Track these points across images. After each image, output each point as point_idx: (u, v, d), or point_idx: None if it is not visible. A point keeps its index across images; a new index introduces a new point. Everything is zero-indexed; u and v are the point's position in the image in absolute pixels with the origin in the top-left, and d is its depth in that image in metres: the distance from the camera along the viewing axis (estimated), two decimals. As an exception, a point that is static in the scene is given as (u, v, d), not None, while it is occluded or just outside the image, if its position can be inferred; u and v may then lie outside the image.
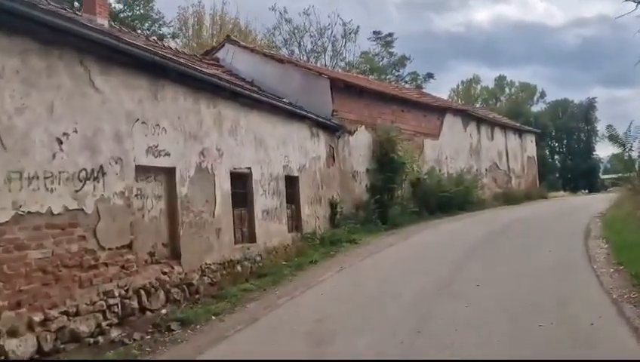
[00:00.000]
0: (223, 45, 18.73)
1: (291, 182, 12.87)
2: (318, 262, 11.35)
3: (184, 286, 8.30)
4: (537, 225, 15.31)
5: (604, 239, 11.24)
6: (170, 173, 8.29)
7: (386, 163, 17.73)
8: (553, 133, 63.72)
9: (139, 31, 25.34)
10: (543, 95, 72.13)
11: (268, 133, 11.64)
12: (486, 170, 26.01)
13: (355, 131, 17.28)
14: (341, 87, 16.79)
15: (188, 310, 7.78)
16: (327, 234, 13.88)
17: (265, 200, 11.28)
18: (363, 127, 17.69)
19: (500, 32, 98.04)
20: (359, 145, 17.42)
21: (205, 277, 8.85)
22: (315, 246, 12.68)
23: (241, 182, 10.61)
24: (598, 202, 24.39)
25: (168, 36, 27.28)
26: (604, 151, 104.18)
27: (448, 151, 22.88)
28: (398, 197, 18.31)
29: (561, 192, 47.72)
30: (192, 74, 8.67)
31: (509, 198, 26.23)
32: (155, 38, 17.20)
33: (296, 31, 31.35)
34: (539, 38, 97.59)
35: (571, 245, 11.30)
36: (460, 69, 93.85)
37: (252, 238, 10.68)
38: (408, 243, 13.59)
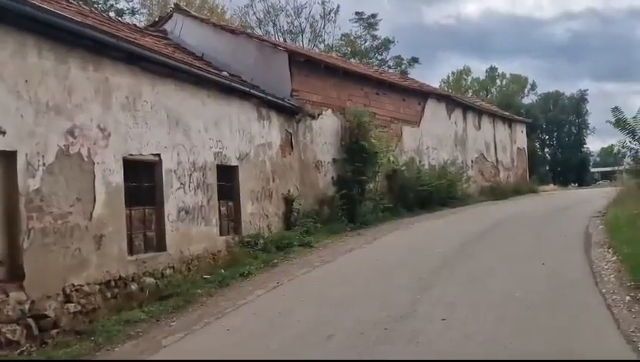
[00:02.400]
0: (171, 16, 16.08)
1: (228, 173, 10.32)
2: (251, 275, 8.84)
3: (29, 321, 5.76)
4: (528, 227, 12.86)
5: (610, 249, 8.79)
6: (7, 159, 5.72)
7: (356, 152, 15.19)
8: (544, 126, 61.78)
9: (95, 5, 22.70)
10: (533, 87, 70.00)
11: (191, 112, 9.06)
12: (472, 161, 23.52)
13: (319, 115, 14.70)
14: (302, 63, 14.19)
15: (14, 358, 5.26)
16: (275, 236, 11.36)
17: (183, 195, 8.71)
18: (329, 110, 15.12)
19: (489, 24, 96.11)
20: (325, 131, 14.87)
21: (71, 305, 6.29)
22: (255, 253, 10.17)
23: (145, 173, 8.05)
24: (593, 198, 21.96)
25: (127, 11, 24.53)
26: (594, 144, 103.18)
27: (430, 140, 20.35)
28: (370, 192, 15.79)
29: (551, 186, 45.58)
30: (44, 18, 6.01)
31: (496, 193, 23.77)
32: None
33: (271, 10, 28.63)
34: (528, 31, 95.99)
35: (569, 256, 8.85)
36: (451, 61, 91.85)
37: (160, 246, 8.12)
38: (372, 248, 11.10)
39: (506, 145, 27.50)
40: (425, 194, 18.06)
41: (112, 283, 6.98)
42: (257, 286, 8.08)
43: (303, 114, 13.93)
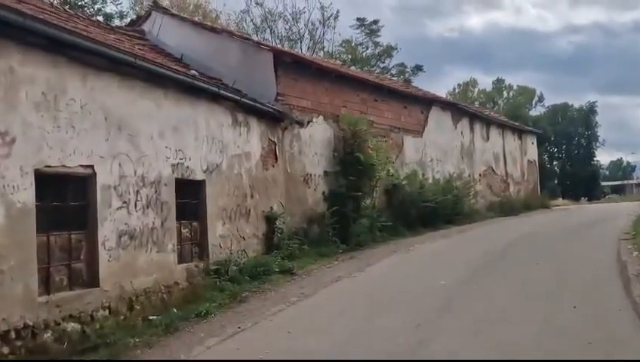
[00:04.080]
0: (150, 14, 14.56)
1: (192, 188, 8.63)
2: (210, 315, 7.11)
3: None
4: (546, 250, 11.05)
5: (659, 286, 6.99)
6: None
7: (350, 164, 13.52)
8: (552, 138, 60.00)
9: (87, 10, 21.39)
10: (541, 99, 68.28)
11: (141, 114, 7.40)
12: (480, 175, 21.73)
13: (309, 122, 13.06)
14: (289, 64, 12.57)
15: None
16: (251, 262, 9.62)
17: (127, 216, 7.02)
18: (321, 117, 13.47)
19: (493, 37, 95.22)
20: (315, 140, 13.20)
21: (-61, 369, 4.63)
22: (223, 284, 8.44)
23: (72, 189, 6.37)
24: (613, 214, 20.18)
25: (115, 15, 23.12)
26: (602, 158, 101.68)
27: (434, 151, 18.63)
28: (367, 209, 14.07)
29: (561, 200, 43.69)
30: None
31: (506, 208, 21.96)
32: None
33: (268, 15, 27.15)
34: (532, 44, 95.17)
35: (606, 295, 7.05)
36: (455, 74, 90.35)
37: (91, 281, 6.41)
38: (364, 277, 9.34)
39: (516, 157, 25.71)
40: (428, 211, 16.33)
41: (12, 335, 5.28)
42: (212, 333, 6.35)
43: (290, 121, 12.29)
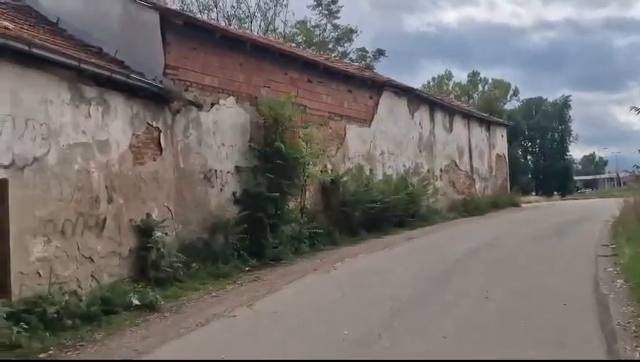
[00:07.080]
0: (24, -30, 11.51)
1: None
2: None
3: None
4: (503, 273, 8.35)
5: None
6: None
7: (271, 158, 10.75)
8: (526, 132, 58.33)
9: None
10: (516, 92, 66.60)
11: None
12: (441, 170, 19.13)
13: (213, 105, 10.20)
14: (182, 28, 9.61)
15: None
16: (94, 294, 6.79)
17: None
18: (232, 98, 10.61)
19: (469, 32, 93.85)
20: (223, 128, 10.34)
21: None
22: (25, 335, 5.56)
23: None
24: (588, 214, 17.80)
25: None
26: (575, 152, 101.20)
27: (386, 143, 15.91)
28: (293, 212, 11.35)
29: (533, 196, 41.83)
30: None
31: (470, 208, 19.46)
32: None
33: (213, -8, 24.10)
34: (507, 39, 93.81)
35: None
36: (432, 69, 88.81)
37: None
38: (245, 317, 6.46)
39: (484, 150, 23.17)
40: (375, 213, 13.69)
41: None
42: None
43: (183, 102, 9.43)
